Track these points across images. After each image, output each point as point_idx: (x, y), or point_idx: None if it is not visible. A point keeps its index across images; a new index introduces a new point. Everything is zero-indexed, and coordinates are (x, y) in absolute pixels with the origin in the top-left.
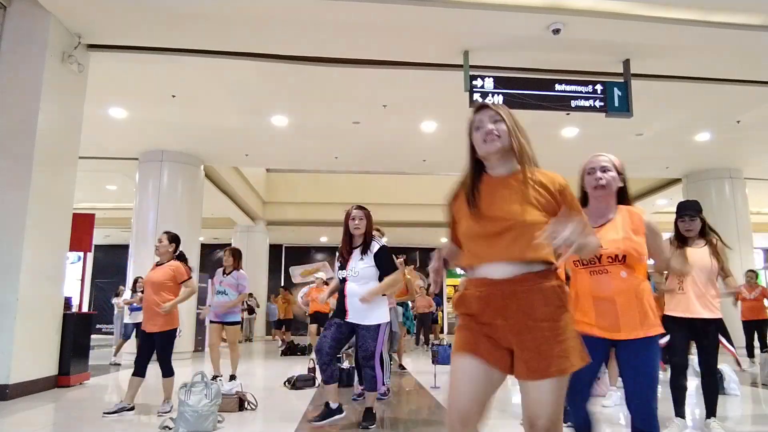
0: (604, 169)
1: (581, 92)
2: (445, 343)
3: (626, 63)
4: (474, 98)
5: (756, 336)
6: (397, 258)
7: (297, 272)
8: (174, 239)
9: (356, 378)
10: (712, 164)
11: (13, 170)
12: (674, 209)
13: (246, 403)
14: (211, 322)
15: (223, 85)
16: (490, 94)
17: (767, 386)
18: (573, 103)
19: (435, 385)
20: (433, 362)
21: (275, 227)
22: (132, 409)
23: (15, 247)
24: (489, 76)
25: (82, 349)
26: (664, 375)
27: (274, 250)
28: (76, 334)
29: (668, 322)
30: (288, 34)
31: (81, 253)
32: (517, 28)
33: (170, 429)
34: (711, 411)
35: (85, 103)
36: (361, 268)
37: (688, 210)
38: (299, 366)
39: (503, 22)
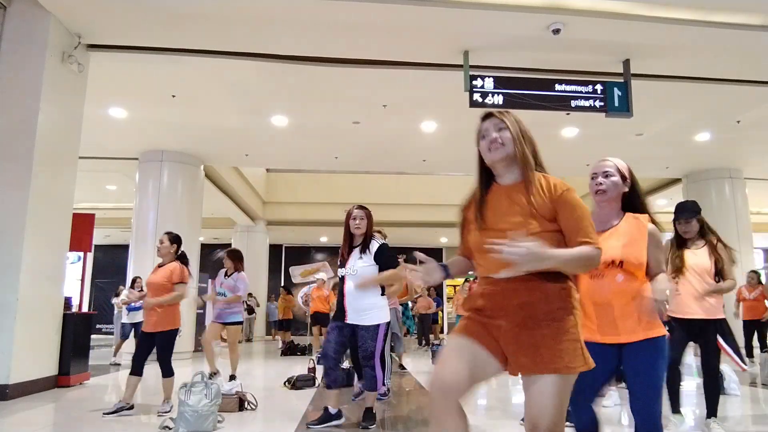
0: (606, 175)
1: (581, 92)
2: (445, 343)
3: (626, 63)
4: (474, 98)
5: (756, 336)
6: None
7: (297, 272)
8: (175, 240)
9: (356, 378)
10: (712, 164)
11: (13, 170)
12: (674, 209)
13: (246, 403)
14: (212, 321)
15: (223, 85)
16: (490, 94)
17: (767, 386)
18: (573, 103)
19: None
20: (433, 362)
21: (275, 227)
22: (131, 407)
23: (15, 247)
24: (489, 76)
25: (82, 349)
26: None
27: (274, 250)
28: (76, 334)
29: (671, 321)
30: (288, 34)
31: (81, 253)
32: (517, 28)
33: (170, 429)
34: (711, 411)
35: (85, 103)
36: (360, 266)
37: (684, 212)
38: (299, 366)
39: (503, 22)
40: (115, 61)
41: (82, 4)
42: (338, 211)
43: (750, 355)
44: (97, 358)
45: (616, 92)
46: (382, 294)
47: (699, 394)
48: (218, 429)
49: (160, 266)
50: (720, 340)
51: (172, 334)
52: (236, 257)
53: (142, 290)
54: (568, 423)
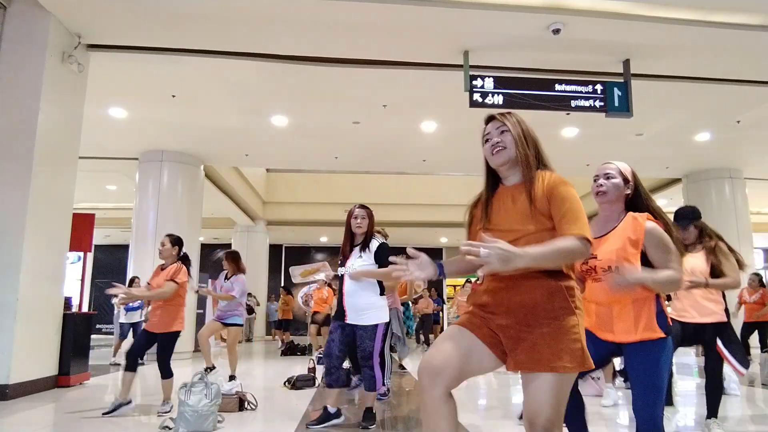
0: (607, 176)
1: (581, 92)
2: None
3: (626, 63)
4: (474, 98)
5: (758, 337)
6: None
7: (297, 272)
8: (177, 242)
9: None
10: (712, 164)
11: (13, 170)
12: (674, 209)
13: (246, 403)
14: (212, 320)
15: (223, 85)
16: (490, 94)
17: (767, 386)
18: (573, 103)
19: None
20: None
21: (275, 227)
22: (129, 403)
23: (15, 247)
24: (489, 76)
25: (82, 349)
26: None
27: (274, 250)
28: (76, 334)
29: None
30: (288, 34)
31: (81, 253)
32: (517, 28)
33: (170, 429)
34: (711, 412)
35: (85, 103)
36: (359, 265)
37: (680, 219)
38: (299, 366)
39: (503, 22)
40: (115, 61)
41: (82, 4)
42: (338, 211)
43: (747, 354)
44: (97, 358)
45: (616, 92)
46: (381, 294)
47: (699, 394)
48: (218, 429)
49: (162, 268)
50: (719, 344)
51: (174, 336)
52: (234, 259)
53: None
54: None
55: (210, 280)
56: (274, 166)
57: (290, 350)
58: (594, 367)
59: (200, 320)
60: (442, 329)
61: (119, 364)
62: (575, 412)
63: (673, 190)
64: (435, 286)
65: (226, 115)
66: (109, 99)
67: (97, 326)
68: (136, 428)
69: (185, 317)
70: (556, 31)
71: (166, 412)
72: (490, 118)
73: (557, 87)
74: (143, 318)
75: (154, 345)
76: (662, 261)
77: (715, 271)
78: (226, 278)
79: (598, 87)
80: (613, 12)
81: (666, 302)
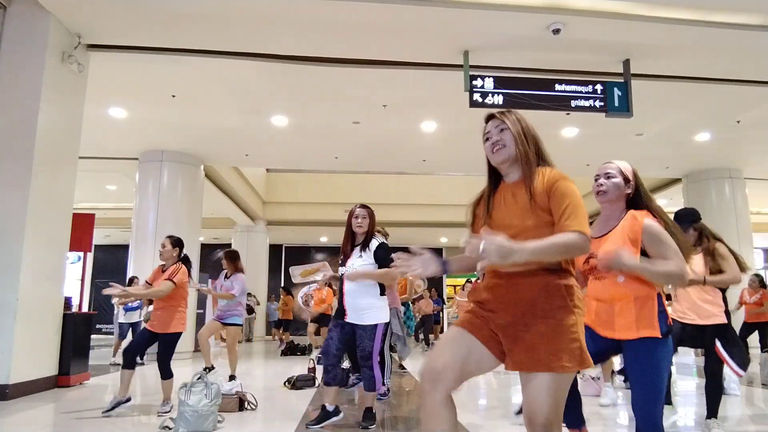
0: (608, 176)
1: (581, 92)
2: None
3: (626, 63)
4: (474, 98)
5: (758, 337)
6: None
7: (297, 272)
8: (177, 243)
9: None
10: (712, 164)
11: (13, 170)
12: (674, 209)
13: (246, 403)
14: (212, 319)
15: (223, 85)
16: (490, 94)
17: (767, 386)
18: (573, 103)
19: None
20: None
21: (275, 227)
22: (128, 401)
23: (15, 247)
24: (489, 76)
25: (82, 349)
26: None
27: (274, 250)
28: (76, 334)
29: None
30: (288, 34)
31: (81, 253)
32: (517, 28)
33: (170, 429)
34: (711, 412)
35: (85, 103)
36: (359, 265)
37: (679, 221)
38: (299, 366)
39: (503, 22)
40: (115, 61)
41: (82, 4)
42: (338, 211)
43: (746, 355)
44: (97, 358)
45: (616, 92)
46: (382, 294)
47: (699, 394)
48: (218, 429)
49: (162, 270)
50: (718, 345)
51: (175, 337)
52: (233, 258)
53: None
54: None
55: (210, 280)
56: (274, 166)
57: (290, 350)
58: (593, 365)
59: (200, 320)
60: (442, 329)
61: (119, 364)
62: (572, 405)
63: (673, 190)
64: (435, 286)
65: (226, 115)
66: (109, 99)
67: (97, 326)
68: (136, 428)
69: (186, 318)
70: (556, 31)
71: (166, 412)
72: (490, 117)
73: (557, 87)
74: (142, 318)
75: (154, 344)
76: (660, 253)
77: (714, 273)
78: (226, 277)
79: (598, 87)
80: (613, 12)
81: (667, 302)
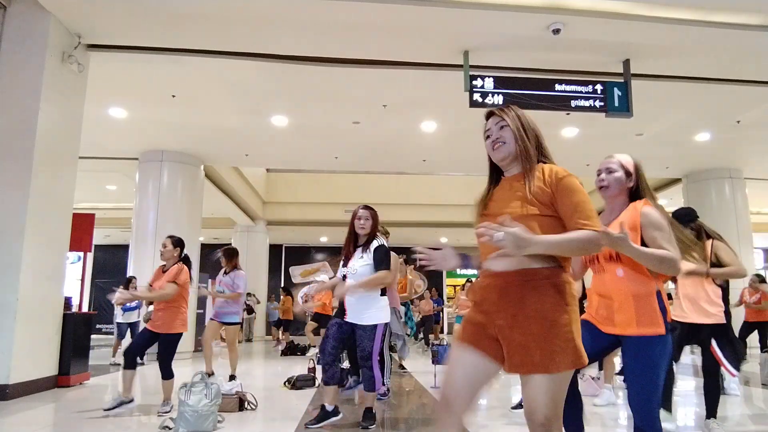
0: (609, 171)
1: (581, 92)
2: (445, 343)
3: (626, 63)
4: (474, 98)
5: (757, 337)
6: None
7: (297, 272)
8: (178, 243)
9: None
10: (712, 164)
11: (13, 170)
12: (674, 209)
13: (246, 403)
14: (210, 319)
15: (223, 85)
16: (490, 94)
17: (767, 386)
18: (573, 103)
19: (435, 385)
20: (433, 362)
21: (275, 227)
22: (131, 401)
23: (15, 247)
24: (489, 76)
25: (82, 349)
26: None
27: (274, 250)
28: (76, 334)
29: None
30: (288, 34)
31: (81, 253)
32: (517, 28)
33: (170, 429)
34: (710, 412)
35: (85, 103)
36: (360, 266)
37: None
38: (299, 366)
39: (503, 22)
40: (115, 61)
41: (82, 4)
42: (338, 211)
43: (744, 356)
44: (97, 358)
45: (616, 92)
46: (382, 294)
47: (699, 395)
48: (218, 429)
49: (163, 270)
50: (713, 344)
51: (177, 337)
52: (231, 255)
53: (136, 290)
54: None
55: (210, 280)
56: (274, 166)
57: (290, 350)
58: (588, 363)
59: (200, 320)
60: (442, 329)
61: (119, 364)
62: (573, 413)
63: (673, 190)
64: (435, 286)
65: (226, 115)
66: (109, 99)
67: (97, 326)
68: (136, 428)
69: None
70: (556, 31)
71: (166, 412)
72: (490, 114)
73: (557, 87)
74: (141, 318)
75: (154, 345)
76: (655, 242)
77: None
78: (225, 274)
79: (598, 87)
80: (613, 12)
81: (668, 301)
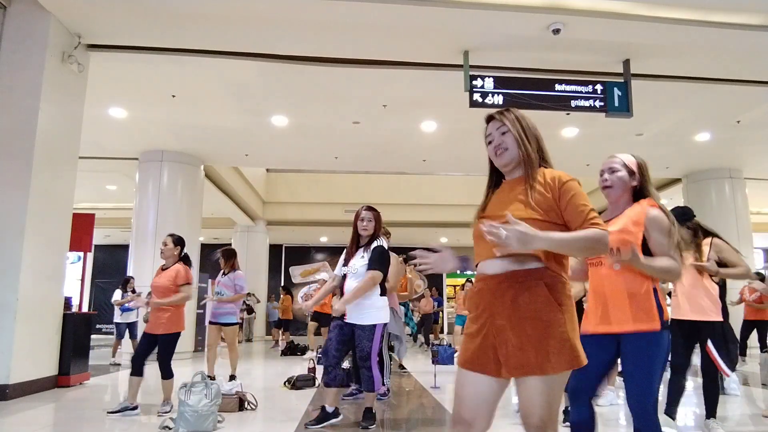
0: (612, 170)
1: (581, 92)
2: (445, 343)
3: (626, 63)
4: (474, 98)
5: (757, 336)
6: (399, 259)
7: (297, 272)
8: (178, 242)
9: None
10: (712, 164)
11: (13, 170)
12: (670, 209)
13: (246, 403)
14: (210, 323)
15: (223, 85)
16: (490, 94)
17: (767, 386)
18: (573, 103)
19: (435, 385)
20: (433, 362)
21: (275, 227)
22: (135, 408)
23: (15, 247)
24: (489, 76)
25: (82, 349)
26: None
27: (274, 250)
28: (76, 334)
29: (672, 323)
30: (288, 34)
31: (81, 253)
32: (517, 28)
33: (170, 429)
34: (710, 412)
35: (85, 103)
36: (361, 265)
37: None
38: (299, 366)
39: (503, 22)
40: (115, 61)
41: (82, 4)
42: (338, 211)
43: (743, 354)
44: (97, 358)
45: (616, 92)
46: (382, 294)
47: (699, 395)
48: (218, 429)
49: (163, 269)
50: (709, 344)
51: (175, 337)
52: (230, 256)
53: (134, 291)
54: (565, 424)
55: (210, 281)
56: (274, 166)
57: (290, 350)
58: (586, 362)
59: (200, 320)
60: (441, 329)
61: (119, 365)
62: (586, 428)
63: (673, 190)
64: (435, 285)
65: (226, 115)
66: (109, 99)
67: (97, 326)
68: (137, 428)
69: (186, 318)
70: (556, 31)
71: (166, 412)
72: (490, 118)
73: (557, 87)
74: (139, 318)
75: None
76: (660, 243)
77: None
78: (224, 275)
79: (598, 87)
80: (613, 12)
81: (668, 299)
